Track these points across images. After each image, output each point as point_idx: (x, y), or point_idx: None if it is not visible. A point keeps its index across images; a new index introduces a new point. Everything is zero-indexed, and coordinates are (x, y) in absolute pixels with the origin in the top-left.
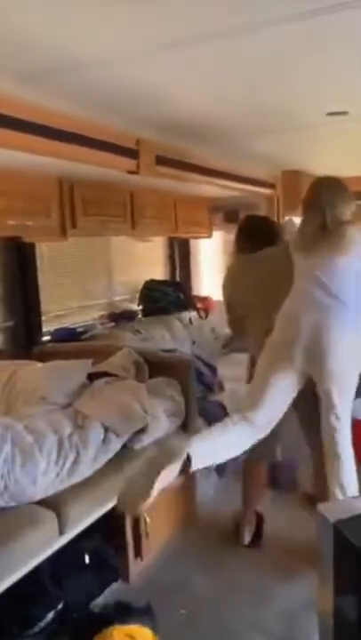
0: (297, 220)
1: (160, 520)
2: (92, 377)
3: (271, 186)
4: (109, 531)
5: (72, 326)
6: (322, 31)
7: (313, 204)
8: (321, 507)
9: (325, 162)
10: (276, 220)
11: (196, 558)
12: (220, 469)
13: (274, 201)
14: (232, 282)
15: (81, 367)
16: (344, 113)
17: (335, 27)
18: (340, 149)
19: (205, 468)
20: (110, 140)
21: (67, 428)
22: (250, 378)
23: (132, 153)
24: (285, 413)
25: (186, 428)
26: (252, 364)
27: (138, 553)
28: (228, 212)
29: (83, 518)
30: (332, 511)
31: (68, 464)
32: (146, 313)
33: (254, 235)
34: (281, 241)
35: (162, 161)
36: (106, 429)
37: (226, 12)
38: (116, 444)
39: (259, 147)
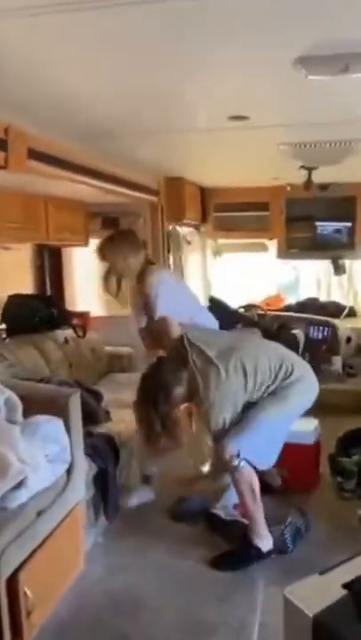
0: (181, 229)
1: (42, 589)
2: None
3: (155, 193)
4: None
5: None
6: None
7: None
8: (288, 592)
9: (216, 170)
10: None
11: (88, 627)
12: (110, 513)
13: (158, 209)
14: None
15: None
16: (246, 118)
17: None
18: (235, 157)
19: (94, 511)
20: None
21: None
22: None
23: None
24: None
25: (71, 472)
26: None
27: (18, 634)
28: (106, 219)
29: None
30: (306, 600)
31: None
32: (11, 333)
33: None
34: None
35: (35, 155)
36: None
37: None
38: None
39: (147, 148)
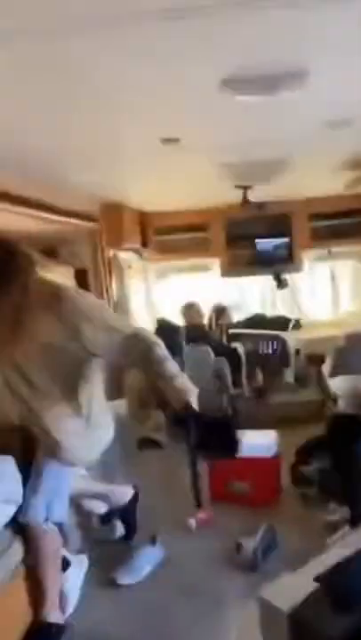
0: (123, 254)
1: None
2: None
3: (93, 219)
4: None
5: None
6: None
7: None
8: (263, 592)
9: (154, 193)
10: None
11: None
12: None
13: (97, 235)
14: None
15: None
16: (176, 140)
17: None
18: (172, 180)
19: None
20: None
21: None
22: None
23: None
24: None
25: None
26: None
27: None
28: (44, 249)
29: None
30: (280, 597)
31: None
32: None
33: None
34: None
35: None
36: None
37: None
38: None
39: (81, 175)
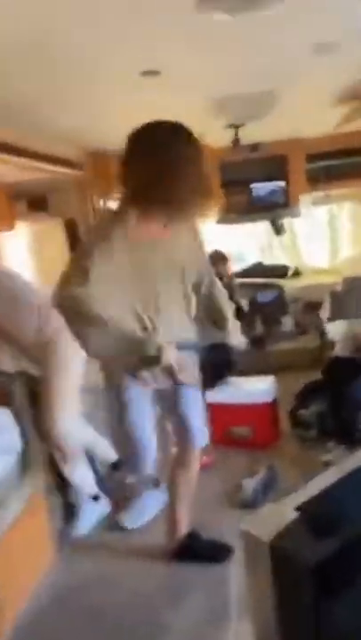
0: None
1: (8, 586)
2: None
3: (79, 167)
4: None
5: None
6: None
7: None
8: (244, 524)
9: None
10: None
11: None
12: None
13: (84, 184)
14: None
15: None
16: (156, 73)
17: None
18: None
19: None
20: None
21: None
22: None
23: None
24: None
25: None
26: None
27: None
28: (33, 199)
29: None
30: (259, 526)
31: None
32: None
33: None
34: None
35: None
36: None
37: None
38: None
39: (63, 121)
